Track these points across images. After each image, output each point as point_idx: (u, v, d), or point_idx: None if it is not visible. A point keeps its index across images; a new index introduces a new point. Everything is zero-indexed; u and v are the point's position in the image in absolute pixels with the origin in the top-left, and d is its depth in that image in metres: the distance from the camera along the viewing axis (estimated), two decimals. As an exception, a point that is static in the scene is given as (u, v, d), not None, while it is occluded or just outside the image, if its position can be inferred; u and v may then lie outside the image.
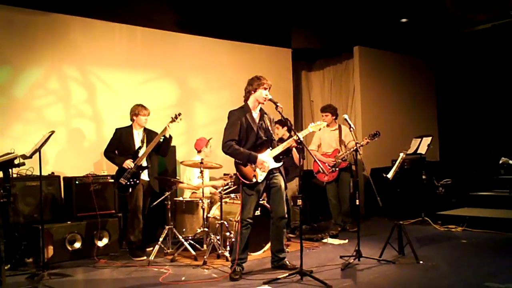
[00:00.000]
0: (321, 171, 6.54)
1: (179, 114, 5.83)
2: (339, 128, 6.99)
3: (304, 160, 9.65)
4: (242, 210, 4.78)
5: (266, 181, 4.80)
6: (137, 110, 5.86)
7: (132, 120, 5.90)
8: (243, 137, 4.74)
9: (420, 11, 7.56)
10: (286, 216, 4.95)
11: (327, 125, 7.02)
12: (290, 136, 5.57)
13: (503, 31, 8.27)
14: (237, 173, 4.74)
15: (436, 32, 8.74)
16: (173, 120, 5.78)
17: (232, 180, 5.94)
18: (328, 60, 9.86)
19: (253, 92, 4.79)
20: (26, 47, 6.20)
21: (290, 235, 6.52)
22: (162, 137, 5.78)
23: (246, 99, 4.86)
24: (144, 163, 5.74)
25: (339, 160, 6.75)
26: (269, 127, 4.88)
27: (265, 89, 4.76)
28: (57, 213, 5.82)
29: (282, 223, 4.91)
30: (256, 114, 4.86)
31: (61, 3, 6.28)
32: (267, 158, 4.73)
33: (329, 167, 6.80)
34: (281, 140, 6.44)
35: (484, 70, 9.25)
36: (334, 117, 7.00)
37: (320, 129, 5.12)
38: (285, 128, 6.63)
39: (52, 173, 6.00)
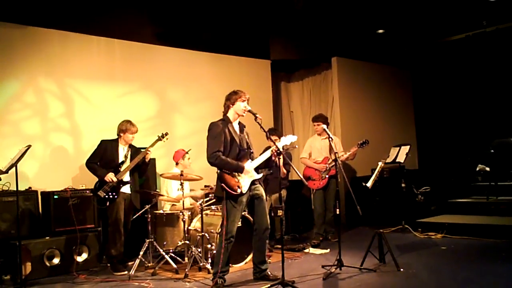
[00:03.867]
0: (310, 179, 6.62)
1: (166, 134, 5.79)
2: (329, 137, 7.03)
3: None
4: (225, 224, 4.67)
5: (249, 192, 4.80)
6: (124, 127, 5.78)
7: (118, 135, 5.83)
8: (226, 148, 4.73)
9: (395, 22, 7.71)
10: (269, 227, 4.96)
11: (318, 134, 7.10)
12: (268, 147, 5.61)
13: (477, 41, 8.46)
14: (222, 184, 4.69)
15: (412, 42, 8.91)
16: (159, 139, 5.74)
17: (213, 191, 5.90)
18: (307, 70, 9.94)
19: (231, 105, 4.83)
20: (2, 61, 6.12)
21: (278, 245, 6.48)
22: (142, 158, 5.74)
23: (226, 112, 4.88)
24: (126, 178, 5.69)
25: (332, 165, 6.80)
26: (248, 140, 4.94)
27: (243, 101, 4.80)
28: (35, 229, 5.71)
29: (266, 234, 4.91)
30: (236, 127, 4.89)
31: (38, 17, 6.22)
32: (251, 169, 4.76)
33: (319, 174, 6.84)
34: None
35: (460, 79, 9.44)
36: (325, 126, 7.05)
37: (292, 143, 5.09)
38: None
39: (30, 188, 5.89)
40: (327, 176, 6.85)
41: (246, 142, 4.90)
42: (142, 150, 5.81)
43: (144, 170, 6.02)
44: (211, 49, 8.15)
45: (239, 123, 4.94)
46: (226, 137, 4.72)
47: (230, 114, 4.85)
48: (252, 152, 4.94)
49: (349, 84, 9.24)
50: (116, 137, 5.88)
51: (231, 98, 4.83)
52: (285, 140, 4.97)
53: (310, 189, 7.31)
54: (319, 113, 7.36)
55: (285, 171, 6.68)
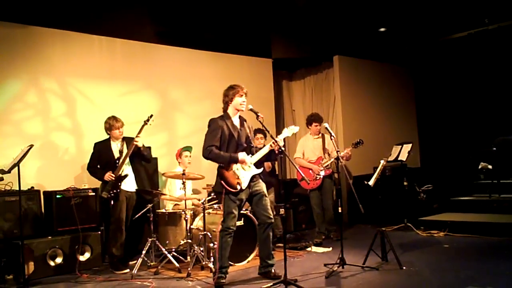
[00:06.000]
0: (304, 179, 6.58)
1: (151, 116, 5.75)
2: (322, 136, 7.03)
3: (287, 169, 9.73)
4: (225, 218, 4.75)
5: (248, 189, 4.81)
6: (108, 125, 5.77)
7: (107, 133, 5.84)
8: (224, 143, 4.76)
9: (397, 20, 7.69)
10: (273, 219, 4.95)
11: (311, 134, 7.08)
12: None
13: (479, 39, 8.44)
14: (221, 181, 4.72)
15: (414, 41, 8.89)
16: (145, 124, 5.72)
17: (212, 190, 5.88)
18: (308, 69, 9.93)
19: (230, 102, 4.85)
20: (3, 61, 6.12)
21: (280, 244, 6.48)
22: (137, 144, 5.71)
23: (226, 109, 4.92)
24: (125, 172, 5.68)
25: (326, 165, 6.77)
26: (249, 134, 4.94)
27: (241, 96, 4.83)
28: (37, 228, 5.71)
29: (270, 227, 4.91)
30: (236, 121, 4.91)
31: (39, 16, 6.23)
32: (247, 157, 4.76)
33: (313, 174, 6.81)
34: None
35: (462, 77, 9.41)
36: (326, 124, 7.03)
37: (293, 134, 5.05)
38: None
39: (32, 187, 5.89)
40: (321, 176, 6.82)
41: (247, 137, 4.90)
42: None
43: (144, 158, 5.95)
44: (212, 48, 8.15)
45: (240, 117, 4.96)
46: (224, 132, 4.75)
47: (230, 110, 4.89)
48: (253, 147, 4.94)
49: (351, 83, 9.23)
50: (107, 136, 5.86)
51: (229, 93, 4.86)
52: (287, 132, 4.91)
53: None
54: (315, 113, 7.24)
55: (270, 164, 6.69)
